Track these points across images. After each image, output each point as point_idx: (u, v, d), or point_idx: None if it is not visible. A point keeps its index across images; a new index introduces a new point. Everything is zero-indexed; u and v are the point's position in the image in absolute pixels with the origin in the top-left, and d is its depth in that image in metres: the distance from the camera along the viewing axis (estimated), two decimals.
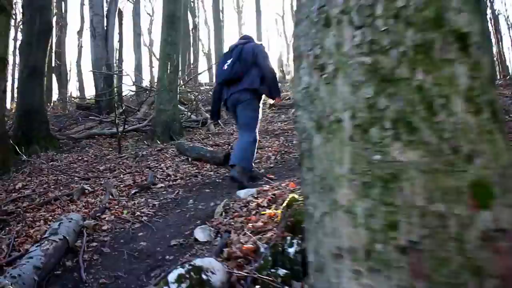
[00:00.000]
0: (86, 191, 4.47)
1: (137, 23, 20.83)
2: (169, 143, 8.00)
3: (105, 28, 12.92)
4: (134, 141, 8.66)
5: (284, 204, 2.80)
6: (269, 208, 3.17)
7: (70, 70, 25.58)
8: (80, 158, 7.02)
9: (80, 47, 26.03)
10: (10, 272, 2.32)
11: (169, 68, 8.80)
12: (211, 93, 14.03)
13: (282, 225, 2.46)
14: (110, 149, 7.97)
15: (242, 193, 3.79)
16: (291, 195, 2.76)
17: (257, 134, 4.59)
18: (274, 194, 3.54)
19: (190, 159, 5.99)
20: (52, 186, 5.04)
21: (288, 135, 8.01)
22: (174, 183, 4.81)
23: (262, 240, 2.43)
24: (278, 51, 58.06)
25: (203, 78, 30.29)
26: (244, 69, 4.40)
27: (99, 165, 6.20)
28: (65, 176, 5.53)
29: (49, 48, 8.93)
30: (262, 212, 3.07)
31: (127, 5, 27.31)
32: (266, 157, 5.96)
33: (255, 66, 4.38)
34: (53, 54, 18.10)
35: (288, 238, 2.18)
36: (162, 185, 4.71)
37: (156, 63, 41.34)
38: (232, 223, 2.97)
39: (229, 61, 4.43)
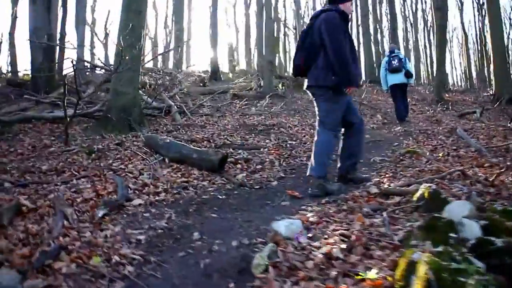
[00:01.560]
0: (24, 208, 2.88)
1: None
2: (129, 134, 6.42)
3: None
4: (82, 130, 6.95)
5: (402, 266, 1.59)
6: (348, 262, 1.92)
7: (1, 42, 22.57)
8: (11, 149, 5.27)
9: (14, 17, 23.02)
10: None
11: (132, 41, 7.16)
12: (168, 77, 12.39)
13: None
14: (52, 138, 6.23)
15: (281, 226, 2.44)
16: (408, 252, 1.55)
17: (331, 132, 3.63)
18: (344, 235, 2.25)
19: (167, 159, 4.50)
20: None
21: (275, 131, 6.70)
22: (157, 198, 3.33)
23: None
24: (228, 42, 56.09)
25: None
26: (308, 57, 3.66)
27: (40, 162, 4.52)
28: None
29: None
30: (358, 277, 1.78)
31: None
32: (268, 161, 4.61)
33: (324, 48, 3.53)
34: None
35: None
36: (141, 201, 3.21)
37: (98, 44, 38.56)
38: None
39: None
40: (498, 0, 15.70)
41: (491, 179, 3.24)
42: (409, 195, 2.93)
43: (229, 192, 3.50)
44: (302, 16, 38.25)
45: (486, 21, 32.40)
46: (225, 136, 6.15)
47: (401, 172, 4.05)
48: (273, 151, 5.06)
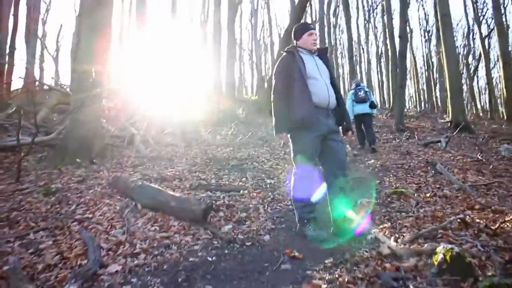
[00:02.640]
0: None
1: (36, 6, 17.51)
2: (90, 168, 5.83)
3: None
4: (36, 161, 6.26)
5: None
6: None
7: None
8: None
9: None
10: None
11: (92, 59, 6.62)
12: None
13: None
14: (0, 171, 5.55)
15: None
16: None
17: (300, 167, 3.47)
18: None
19: (139, 205, 4.00)
20: None
21: (249, 167, 6.33)
22: (136, 261, 2.83)
23: None
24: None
25: None
26: None
27: None
28: None
29: None
30: None
31: None
32: (252, 207, 4.21)
33: None
34: None
35: None
36: (118, 267, 2.71)
37: (48, 58, 36.85)
38: None
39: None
40: (451, 28, 16.35)
41: (493, 228, 3.19)
42: (425, 256, 2.71)
43: (218, 252, 3.06)
44: (259, 38, 38.70)
45: (432, 46, 34.14)
46: (198, 173, 5.70)
47: (399, 221, 3.79)
48: (255, 194, 4.66)
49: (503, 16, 20.06)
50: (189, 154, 7.38)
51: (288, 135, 3.48)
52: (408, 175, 6.23)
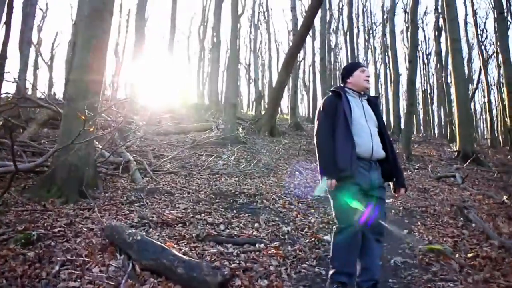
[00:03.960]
0: None
1: (30, 14, 16.84)
2: (79, 205, 5.11)
3: None
4: (19, 191, 5.53)
5: None
6: None
7: None
8: None
9: None
10: None
11: (87, 84, 5.93)
12: (134, 121, 11.02)
13: None
14: None
15: None
16: None
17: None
18: None
19: (137, 267, 3.28)
20: None
21: (260, 206, 5.64)
22: None
23: None
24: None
25: None
26: None
27: None
28: None
29: None
30: None
31: None
32: (274, 271, 3.50)
33: None
34: None
35: None
36: None
37: (43, 67, 36.12)
38: None
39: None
40: (461, 54, 15.92)
41: None
42: None
43: None
44: (258, 55, 38.31)
45: (430, 69, 33.87)
46: (203, 215, 4.98)
47: None
48: (273, 250, 3.95)
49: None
50: (191, 186, 6.67)
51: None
52: (437, 223, 5.60)
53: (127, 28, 31.94)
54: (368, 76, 3.21)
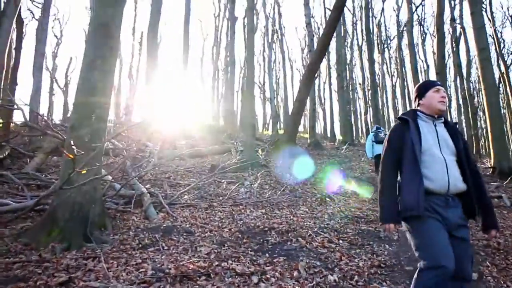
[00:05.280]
0: None
1: (42, 40, 16.47)
2: (82, 252, 4.32)
3: None
4: (14, 235, 4.76)
5: None
6: None
7: None
8: None
9: None
10: None
11: (92, 108, 5.20)
12: (149, 150, 10.26)
13: None
14: None
15: None
16: None
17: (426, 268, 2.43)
18: None
19: None
20: None
21: (296, 246, 4.78)
22: None
23: None
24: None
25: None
26: None
27: None
28: None
29: None
30: None
31: (30, 24, 22.54)
32: None
33: None
34: None
35: None
36: None
37: (58, 92, 36.08)
38: None
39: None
40: (491, 64, 14.98)
41: None
42: None
43: None
44: (272, 74, 37.73)
45: (450, 82, 32.82)
46: (230, 262, 4.11)
47: None
48: None
49: None
50: (213, 222, 5.82)
51: (405, 225, 2.65)
52: (508, 262, 4.64)
53: (140, 51, 31.80)
54: (444, 97, 2.79)
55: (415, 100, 2.93)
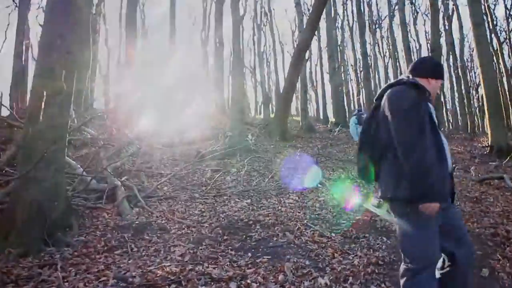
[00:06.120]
0: None
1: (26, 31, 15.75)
2: (39, 259, 3.79)
3: None
4: None
5: None
6: None
7: None
8: None
9: None
10: None
11: (52, 94, 4.61)
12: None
13: None
14: None
15: None
16: None
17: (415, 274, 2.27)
18: None
19: None
20: None
21: (281, 242, 4.28)
22: None
23: None
24: None
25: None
26: (373, 157, 2.49)
27: None
28: None
29: None
30: None
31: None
32: None
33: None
34: None
35: None
36: None
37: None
38: None
39: None
40: (487, 40, 14.50)
41: None
42: None
43: None
44: (263, 57, 36.96)
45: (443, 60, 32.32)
46: (206, 265, 3.60)
47: None
48: None
49: None
50: (192, 216, 5.30)
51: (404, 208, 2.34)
52: None
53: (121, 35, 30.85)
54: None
55: (422, 74, 2.53)
